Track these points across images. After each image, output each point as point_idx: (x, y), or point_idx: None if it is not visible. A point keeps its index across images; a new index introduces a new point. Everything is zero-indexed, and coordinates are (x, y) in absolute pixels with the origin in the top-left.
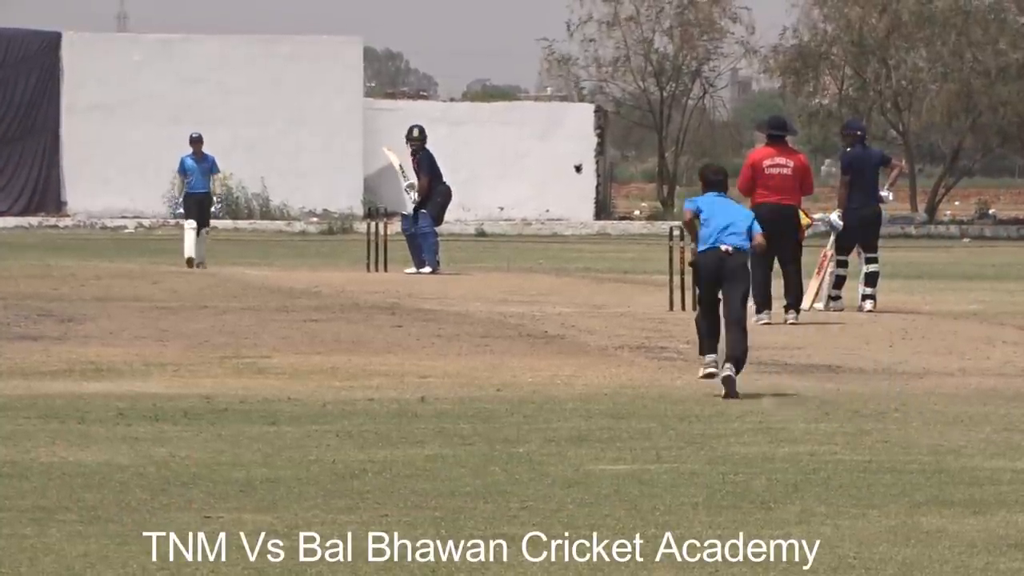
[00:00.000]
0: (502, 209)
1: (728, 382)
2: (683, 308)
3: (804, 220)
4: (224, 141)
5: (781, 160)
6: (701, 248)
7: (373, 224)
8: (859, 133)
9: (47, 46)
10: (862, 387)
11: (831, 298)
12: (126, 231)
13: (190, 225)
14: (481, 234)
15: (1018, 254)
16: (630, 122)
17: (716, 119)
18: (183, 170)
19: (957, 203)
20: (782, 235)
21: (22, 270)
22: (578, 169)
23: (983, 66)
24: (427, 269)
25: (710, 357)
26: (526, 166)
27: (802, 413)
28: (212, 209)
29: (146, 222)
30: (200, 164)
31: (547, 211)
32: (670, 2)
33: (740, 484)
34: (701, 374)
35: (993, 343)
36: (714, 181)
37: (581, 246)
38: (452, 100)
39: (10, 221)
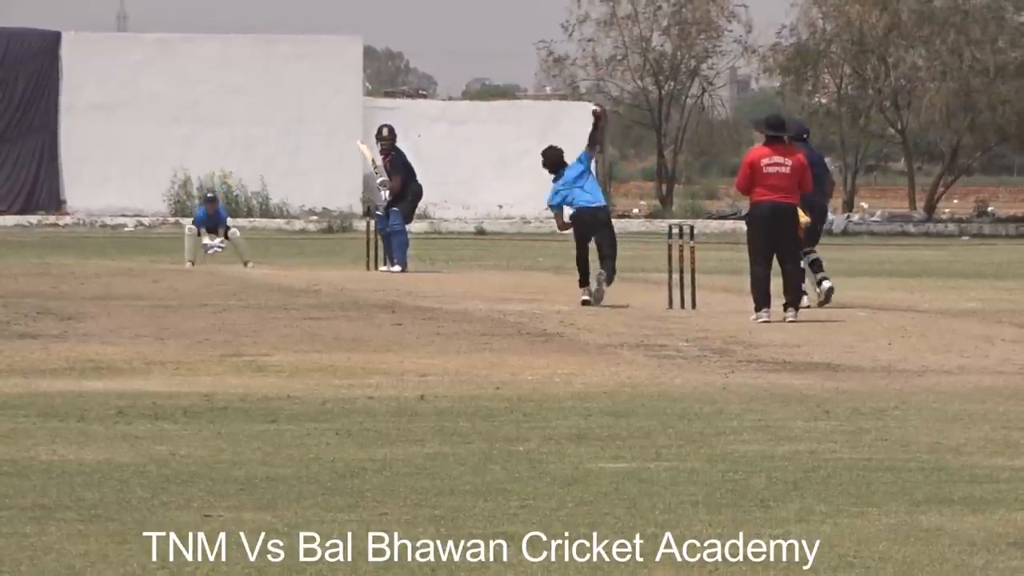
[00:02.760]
0: (501, 207)
1: (600, 290)
2: (682, 306)
3: (803, 219)
4: (224, 140)
5: (779, 159)
6: (577, 206)
7: (372, 222)
8: (804, 137)
9: (47, 46)
10: (861, 385)
11: (819, 282)
12: (126, 229)
13: (190, 232)
14: (480, 232)
15: (1017, 252)
16: (629, 121)
17: (715, 118)
18: (196, 222)
19: (956, 201)
20: (782, 234)
21: (22, 268)
22: None
23: (982, 64)
24: (396, 268)
25: (585, 289)
26: (525, 164)
27: (801, 411)
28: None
29: (146, 220)
30: (212, 217)
31: (546, 209)
32: (667, 0)
33: (739, 482)
34: (581, 300)
35: (992, 341)
36: (555, 164)
37: None
38: (451, 99)
39: (9, 220)
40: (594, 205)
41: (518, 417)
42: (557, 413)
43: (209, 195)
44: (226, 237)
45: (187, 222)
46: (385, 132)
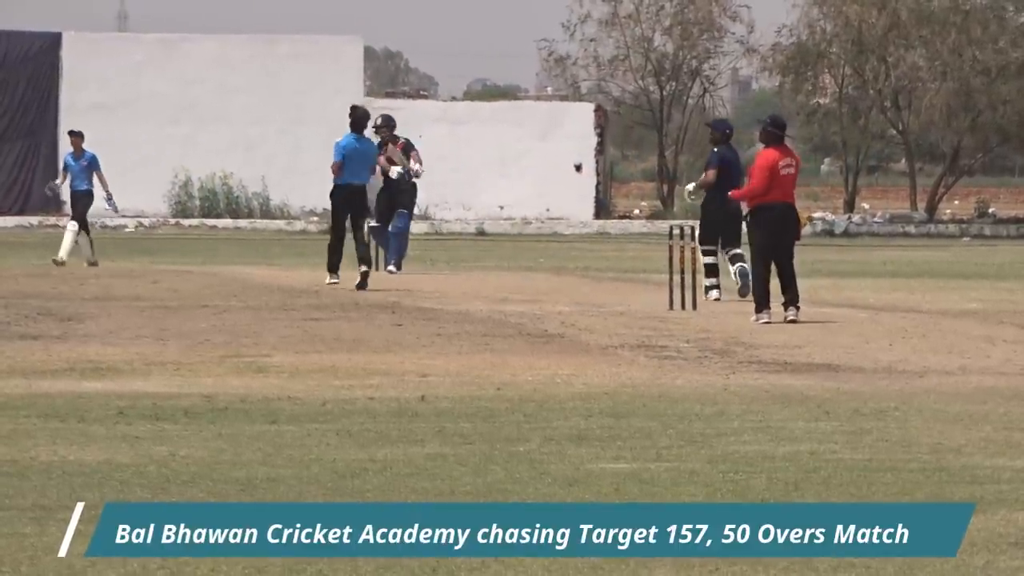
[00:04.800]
0: (502, 208)
1: (366, 276)
2: (683, 307)
3: (803, 217)
4: (224, 140)
5: (788, 160)
6: (342, 182)
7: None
8: (728, 132)
9: (47, 46)
10: (862, 386)
11: (708, 288)
12: (126, 230)
13: (71, 227)
14: (481, 233)
15: (1018, 253)
16: (630, 121)
17: (716, 118)
18: (64, 167)
19: (957, 202)
20: (787, 234)
21: (22, 269)
22: (578, 168)
23: (982, 64)
24: (392, 268)
25: (336, 273)
26: (526, 165)
27: (802, 412)
28: (109, 207)
29: (146, 221)
30: (77, 161)
31: (547, 210)
32: (669, 0)
33: (740, 483)
34: (327, 281)
35: (993, 342)
36: (359, 123)
37: (581, 245)
38: (452, 99)
39: (10, 220)
40: (357, 183)
41: (519, 418)
42: (558, 414)
43: (72, 130)
44: (82, 224)
45: (69, 224)
46: (380, 121)
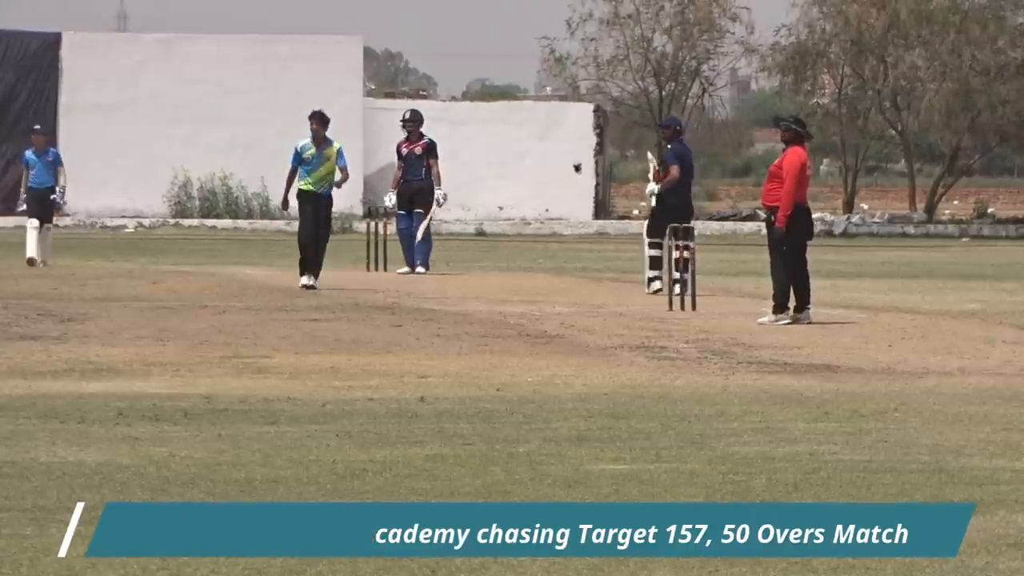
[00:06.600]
0: (501, 208)
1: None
2: (683, 308)
3: None
4: (223, 140)
5: (809, 161)
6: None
7: (373, 224)
8: (679, 128)
9: (47, 46)
10: (861, 387)
11: (650, 279)
12: (126, 231)
13: (32, 224)
14: (480, 233)
15: (1017, 253)
16: (629, 121)
17: (715, 118)
18: (25, 164)
19: (956, 202)
20: (808, 235)
21: (22, 270)
22: (577, 168)
23: (982, 65)
24: (421, 269)
25: (306, 278)
26: (525, 166)
27: (802, 413)
28: (56, 200)
29: (146, 222)
30: (41, 158)
31: (546, 211)
32: (669, 1)
33: (740, 484)
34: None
35: (992, 342)
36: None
37: (580, 245)
38: (452, 99)
39: (10, 221)
40: (307, 190)
41: (518, 419)
42: (557, 415)
43: (35, 127)
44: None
45: (29, 223)
46: (408, 115)
